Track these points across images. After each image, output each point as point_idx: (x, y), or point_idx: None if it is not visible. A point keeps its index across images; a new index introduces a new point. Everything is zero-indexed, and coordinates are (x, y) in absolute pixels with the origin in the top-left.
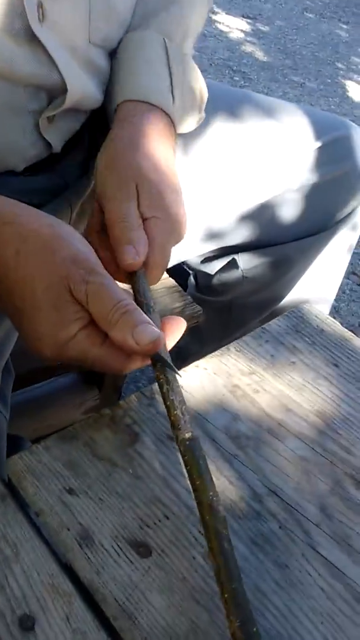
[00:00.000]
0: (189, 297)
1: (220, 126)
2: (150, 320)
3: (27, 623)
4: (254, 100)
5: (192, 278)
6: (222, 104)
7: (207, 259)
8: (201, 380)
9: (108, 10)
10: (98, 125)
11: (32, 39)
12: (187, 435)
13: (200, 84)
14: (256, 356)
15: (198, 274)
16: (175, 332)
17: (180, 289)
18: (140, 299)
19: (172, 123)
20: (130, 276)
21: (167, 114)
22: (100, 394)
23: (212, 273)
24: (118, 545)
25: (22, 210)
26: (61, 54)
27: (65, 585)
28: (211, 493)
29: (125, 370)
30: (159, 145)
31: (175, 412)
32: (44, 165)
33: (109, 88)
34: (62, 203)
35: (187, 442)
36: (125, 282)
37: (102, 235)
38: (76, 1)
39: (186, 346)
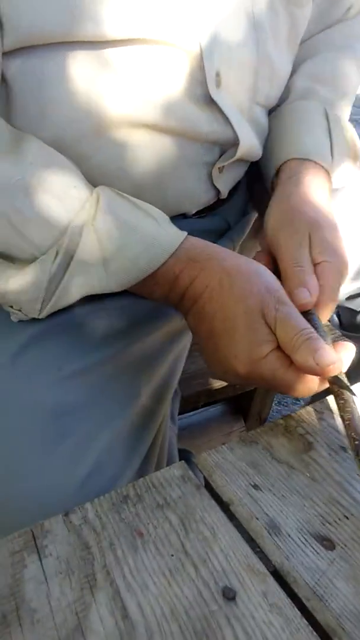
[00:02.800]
0: (337, 331)
1: None
2: (329, 346)
3: (229, 594)
4: None
5: (334, 315)
6: None
7: (352, 296)
8: None
9: (272, 73)
10: (252, 174)
11: (210, 102)
12: None
13: (354, 141)
14: None
15: (342, 310)
16: (347, 356)
17: (329, 323)
18: (317, 332)
19: (329, 177)
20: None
21: (327, 171)
22: (245, 424)
23: (358, 309)
24: (304, 537)
25: (222, 249)
26: (234, 114)
27: (259, 566)
28: None
29: (305, 393)
30: (323, 198)
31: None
32: (209, 208)
33: (272, 145)
34: (226, 242)
35: None
36: None
37: None
38: (246, 67)
39: None
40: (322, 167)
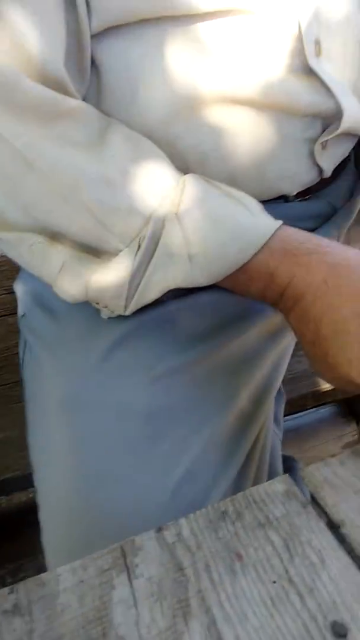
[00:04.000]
0: None
1: None
2: None
3: (340, 630)
4: None
5: None
6: None
7: None
8: None
9: None
10: None
11: (309, 72)
12: None
13: None
14: None
15: None
16: None
17: None
18: None
19: None
20: None
21: None
22: (358, 427)
23: None
24: None
25: (325, 242)
26: (336, 83)
27: None
28: None
29: None
30: None
31: None
32: (313, 190)
33: None
34: (331, 228)
35: None
36: None
37: None
38: (348, 35)
39: None
40: None
